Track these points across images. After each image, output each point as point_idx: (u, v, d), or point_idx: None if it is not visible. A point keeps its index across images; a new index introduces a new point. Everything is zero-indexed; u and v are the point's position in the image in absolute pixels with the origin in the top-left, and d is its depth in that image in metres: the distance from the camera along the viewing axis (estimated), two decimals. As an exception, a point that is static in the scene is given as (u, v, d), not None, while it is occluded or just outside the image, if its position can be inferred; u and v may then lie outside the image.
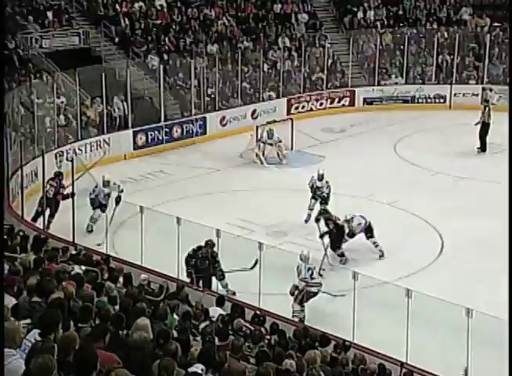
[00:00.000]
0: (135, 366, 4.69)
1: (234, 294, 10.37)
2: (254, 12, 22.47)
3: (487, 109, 17.58)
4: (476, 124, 17.35)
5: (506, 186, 12.65)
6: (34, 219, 12.53)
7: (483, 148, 17.37)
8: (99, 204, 12.82)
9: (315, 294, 10.28)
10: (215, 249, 10.52)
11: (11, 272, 6.57)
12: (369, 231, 12.07)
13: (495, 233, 12.66)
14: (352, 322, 9.23)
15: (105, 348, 4.96)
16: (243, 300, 9.49)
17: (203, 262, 10.48)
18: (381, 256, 12.09)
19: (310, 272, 10.27)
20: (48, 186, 12.68)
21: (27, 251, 8.50)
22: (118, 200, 12.70)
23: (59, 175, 12.99)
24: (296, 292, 10.15)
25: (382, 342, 9.05)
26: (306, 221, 13.38)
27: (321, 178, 13.57)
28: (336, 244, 11.78)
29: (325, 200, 13.42)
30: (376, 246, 12.10)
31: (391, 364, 8.25)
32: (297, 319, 9.84)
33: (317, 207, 13.42)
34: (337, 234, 11.79)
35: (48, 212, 12.59)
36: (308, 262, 10.25)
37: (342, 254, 11.88)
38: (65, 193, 12.63)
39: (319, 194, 13.44)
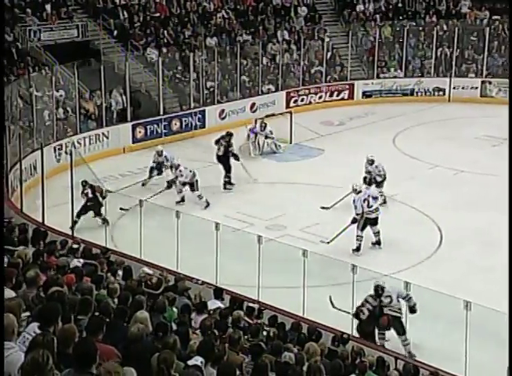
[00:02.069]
0: (134, 359, 4.70)
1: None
2: (253, 5, 22.41)
3: None
4: None
5: (505, 179, 12.66)
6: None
7: None
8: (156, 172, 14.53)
9: (375, 220, 11.88)
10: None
11: (10, 265, 6.57)
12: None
13: (493, 226, 12.69)
14: (351, 315, 9.23)
15: (104, 341, 4.96)
16: (241, 293, 9.50)
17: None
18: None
19: (366, 202, 11.80)
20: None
21: (26, 244, 8.50)
22: (170, 183, 13.86)
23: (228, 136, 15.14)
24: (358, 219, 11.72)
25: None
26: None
27: (371, 162, 13.92)
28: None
29: (378, 184, 13.63)
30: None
31: (389, 357, 8.27)
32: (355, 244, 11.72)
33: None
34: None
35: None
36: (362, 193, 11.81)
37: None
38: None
39: (371, 178, 13.62)
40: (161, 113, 18.30)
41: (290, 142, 17.68)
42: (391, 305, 9.16)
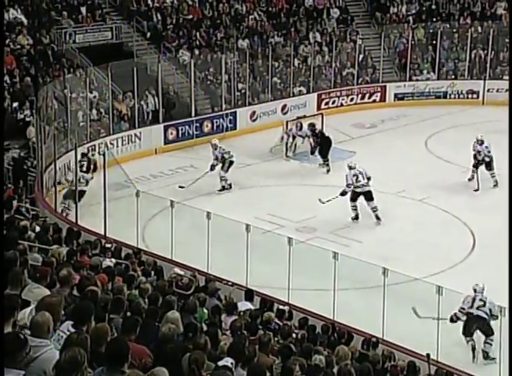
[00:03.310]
0: (166, 359, 4.73)
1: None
2: (285, 6, 22.41)
3: None
4: None
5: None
6: None
7: None
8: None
9: (366, 195, 13.16)
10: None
11: (44, 264, 6.68)
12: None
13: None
14: (382, 318, 9.18)
15: (136, 341, 5.01)
16: (271, 295, 9.50)
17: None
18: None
19: (355, 177, 13.21)
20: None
21: (60, 244, 8.62)
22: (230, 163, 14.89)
23: None
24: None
25: (411, 339, 8.99)
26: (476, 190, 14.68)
27: (481, 142, 14.87)
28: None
29: (488, 165, 14.72)
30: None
31: (420, 361, 8.20)
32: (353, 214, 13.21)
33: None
34: None
35: None
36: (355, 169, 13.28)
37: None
38: None
39: (480, 159, 14.73)
40: (193, 114, 18.41)
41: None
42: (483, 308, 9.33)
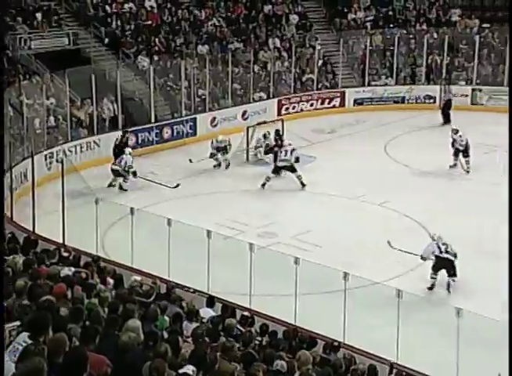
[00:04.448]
0: (126, 368, 4.68)
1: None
2: (244, 13, 22.49)
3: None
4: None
5: (498, 185, 12.71)
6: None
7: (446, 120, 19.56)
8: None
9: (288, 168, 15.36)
10: None
11: None
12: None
13: (484, 232, 12.73)
14: (343, 322, 9.24)
15: (95, 350, 4.94)
16: (233, 301, 9.48)
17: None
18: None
19: (284, 152, 15.44)
20: None
21: (17, 253, 8.46)
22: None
23: None
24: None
25: (373, 342, 9.07)
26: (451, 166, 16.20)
27: (456, 132, 16.16)
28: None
29: (464, 152, 15.90)
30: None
31: (382, 365, 8.27)
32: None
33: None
34: None
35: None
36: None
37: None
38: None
39: (457, 146, 15.96)
40: (152, 120, 18.31)
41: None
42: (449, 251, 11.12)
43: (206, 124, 19.10)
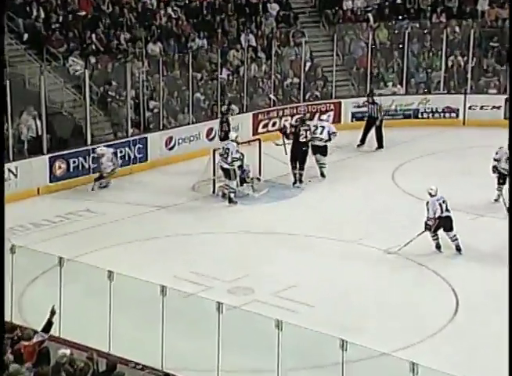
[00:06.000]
0: None
1: None
2: (208, 1, 22.77)
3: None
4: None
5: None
6: None
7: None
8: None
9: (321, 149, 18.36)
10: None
11: None
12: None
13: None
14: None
15: None
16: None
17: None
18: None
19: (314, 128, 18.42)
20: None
21: None
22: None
23: None
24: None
25: None
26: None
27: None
28: None
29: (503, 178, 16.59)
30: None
31: None
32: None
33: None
34: None
35: None
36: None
37: None
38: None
39: (500, 171, 16.64)
40: (89, 142, 18.38)
41: (259, 180, 17.84)
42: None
43: (160, 146, 19.21)
